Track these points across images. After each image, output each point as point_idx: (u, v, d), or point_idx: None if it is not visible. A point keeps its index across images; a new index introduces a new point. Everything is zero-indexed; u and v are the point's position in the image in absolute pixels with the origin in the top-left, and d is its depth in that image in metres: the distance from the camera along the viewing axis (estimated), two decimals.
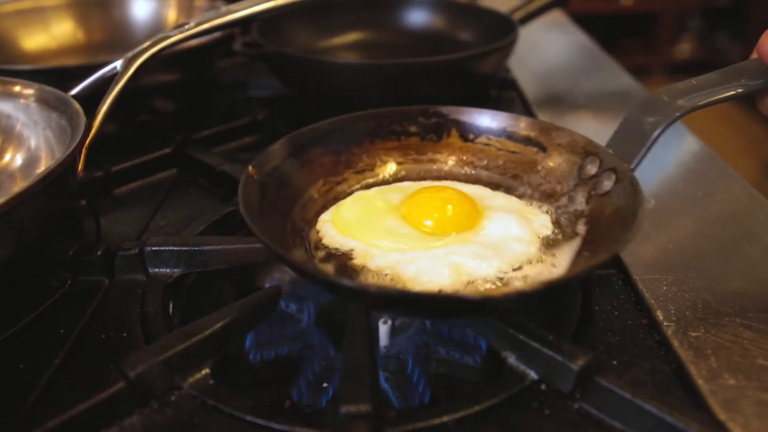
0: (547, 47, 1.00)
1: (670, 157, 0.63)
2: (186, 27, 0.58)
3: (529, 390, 0.35)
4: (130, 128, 0.70)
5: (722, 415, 0.33)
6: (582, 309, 0.42)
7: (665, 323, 0.39)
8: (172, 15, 0.86)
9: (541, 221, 0.46)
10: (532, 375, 0.36)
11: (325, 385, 0.42)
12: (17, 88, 0.51)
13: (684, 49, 4.35)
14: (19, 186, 0.49)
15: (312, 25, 0.85)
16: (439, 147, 0.53)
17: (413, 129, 0.53)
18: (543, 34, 1.03)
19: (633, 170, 0.42)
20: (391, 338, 0.45)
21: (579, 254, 0.42)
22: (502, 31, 0.74)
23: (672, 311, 0.40)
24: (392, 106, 0.54)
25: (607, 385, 0.33)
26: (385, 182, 0.52)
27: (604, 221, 0.42)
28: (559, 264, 0.42)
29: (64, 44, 0.83)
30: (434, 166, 0.53)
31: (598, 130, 0.52)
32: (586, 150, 0.47)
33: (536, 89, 0.81)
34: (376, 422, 0.32)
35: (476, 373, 0.42)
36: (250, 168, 0.43)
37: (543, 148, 0.49)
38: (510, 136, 0.51)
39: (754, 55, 0.44)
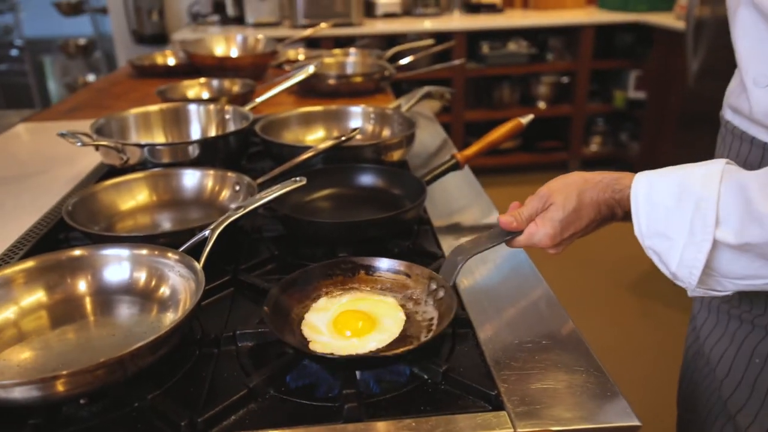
0: (447, 191, 1.52)
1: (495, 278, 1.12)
2: (243, 207, 1.05)
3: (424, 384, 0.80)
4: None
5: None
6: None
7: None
8: (210, 184, 1.34)
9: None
10: (424, 377, 0.81)
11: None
12: (169, 254, 0.96)
13: (594, 146, 5.11)
14: (171, 313, 0.93)
15: (302, 188, 1.34)
16: (354, 280, 0.93)
17: (338, 272, 0.93)
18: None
19: (450, 285, 0.84)
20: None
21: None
22: (419, 188, 1.25)
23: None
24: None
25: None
26: (329, 302, 0.89)
27: (442, 315, 0.81)
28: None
29: (142, 204, 1.30)
30: (353, 287, 0.92)
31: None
32: (431, 276, 0.87)
33: (441, 221, 1.31)
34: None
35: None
36: (265, 308, 0.81)
37: (408, 276, 0.90)
38: (390, 271, 0.92)
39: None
